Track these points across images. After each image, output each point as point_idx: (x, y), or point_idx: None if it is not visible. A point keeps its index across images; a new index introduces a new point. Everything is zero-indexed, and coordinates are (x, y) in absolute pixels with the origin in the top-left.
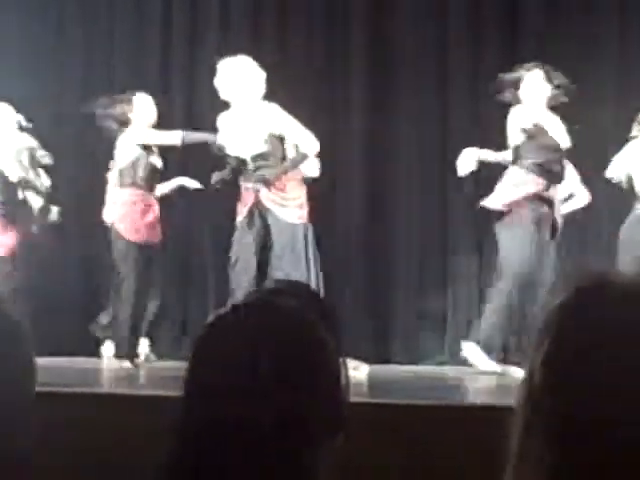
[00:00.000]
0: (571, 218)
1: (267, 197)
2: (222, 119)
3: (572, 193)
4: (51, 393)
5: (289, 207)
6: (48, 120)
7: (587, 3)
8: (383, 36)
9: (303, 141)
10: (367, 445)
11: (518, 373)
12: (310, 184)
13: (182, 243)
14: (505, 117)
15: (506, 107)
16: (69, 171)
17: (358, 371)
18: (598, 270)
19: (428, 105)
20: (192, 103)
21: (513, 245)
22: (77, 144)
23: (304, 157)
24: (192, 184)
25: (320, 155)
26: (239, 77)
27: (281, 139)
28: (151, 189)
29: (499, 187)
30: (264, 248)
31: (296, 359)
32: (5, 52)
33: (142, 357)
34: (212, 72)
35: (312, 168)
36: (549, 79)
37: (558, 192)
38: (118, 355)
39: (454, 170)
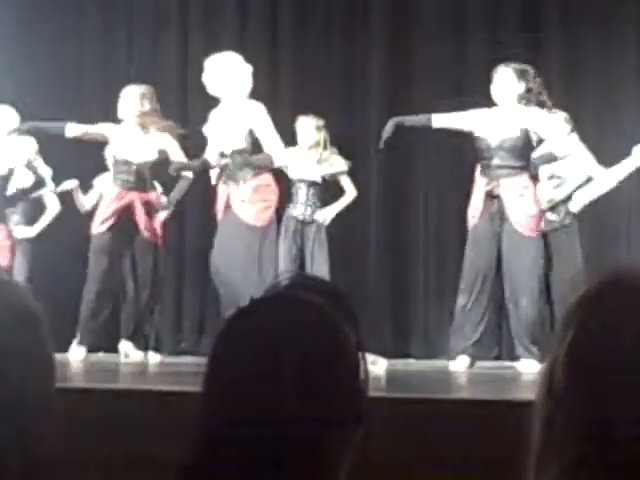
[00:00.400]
0: (590, 211)
1: (235, 195)
2: (212, 116)
3: (590, 176)
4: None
5: (253, 207)
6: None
7: None
8: (402, 34)
9: (272, 149)
10: (384, 440)
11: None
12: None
13: (199, 240)
14: None
15: None
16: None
17: (376, 365)
18: (620, 264)
19: (446, 103)
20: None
21: None
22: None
23: (268, 162)
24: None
25: (340, 153)
26: (226, 73)
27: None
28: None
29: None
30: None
31: (316, 353)
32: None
33: (122, 355)
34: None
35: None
36: (520, 77)
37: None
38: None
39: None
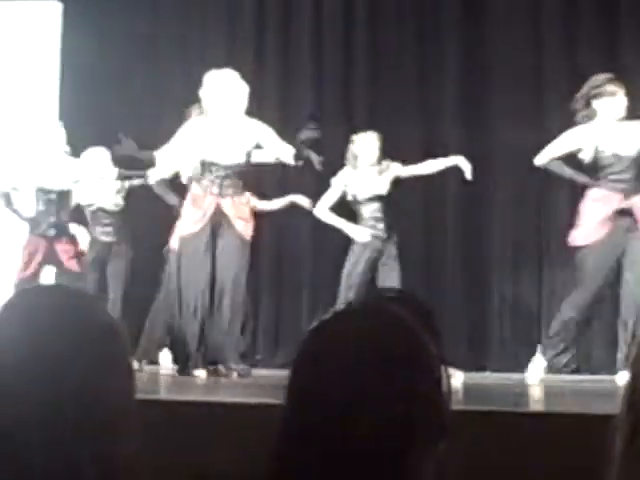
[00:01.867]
0: None
1: (230, 210)
2: (198, 124)
3: None
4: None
5: (249, 224)
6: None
7: None
8: (477, 40)
9: (283, 153)
10: (462, 452)
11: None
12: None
13: (274, 253)
14: None
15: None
16: None
17: (454, 378)
18: None
19: (523, 108)
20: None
21: None
22: None
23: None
24: (304, 202)
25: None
26: (224, 89)
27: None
28: None
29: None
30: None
31: (400, 365)
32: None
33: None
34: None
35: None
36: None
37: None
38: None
39: (549, 175)
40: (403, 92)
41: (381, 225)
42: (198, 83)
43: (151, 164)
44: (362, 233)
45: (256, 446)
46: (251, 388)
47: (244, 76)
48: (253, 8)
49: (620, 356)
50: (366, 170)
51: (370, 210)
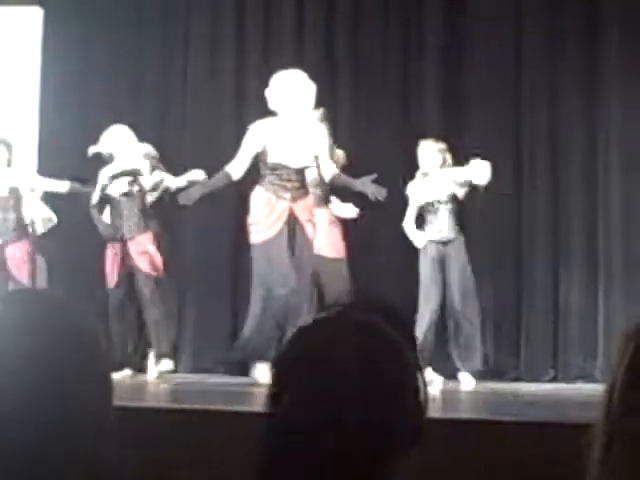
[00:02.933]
0: None
1: (301, 211)
2: (266, 126)
3: None
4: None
5: (312, 225)
6: None
7: None
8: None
9: (326, 168)
10: (437, 461)
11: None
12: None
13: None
14: None
15: None
16: None
17: (431, 386)
18: None
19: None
20: None
21: None
22: None
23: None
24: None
25: (394, 170)
26: (291, 90)
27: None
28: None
29: None
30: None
31: (377, 372)
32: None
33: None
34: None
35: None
36: None
37: None
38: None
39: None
40: (385, 101)
41: (447, 229)
42: (180, 88)
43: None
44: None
45: (238, 454)
46: (234, 395)
47: (226, 82)
48: (234, 14)
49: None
50: (432, 175)
51: (439, 214)
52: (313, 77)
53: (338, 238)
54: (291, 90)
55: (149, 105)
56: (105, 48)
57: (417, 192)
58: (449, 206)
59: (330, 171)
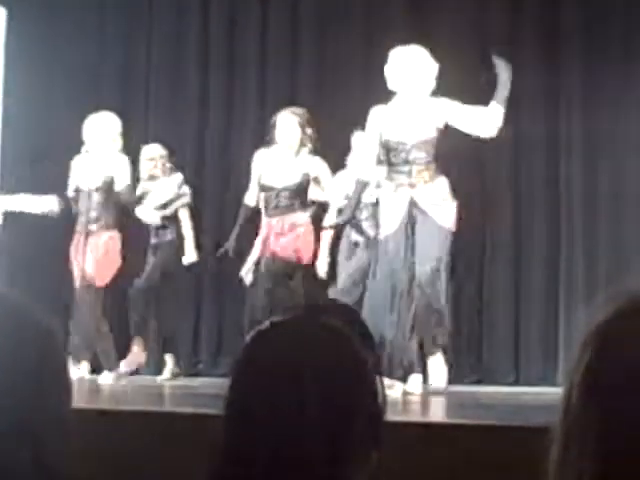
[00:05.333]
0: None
1: (422, 197)
2: (386, 110)
3: None
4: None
5: (440, 208)
6: None
7: None
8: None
9: (477, 127)
10: (398, 463)
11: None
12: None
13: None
14: None
15: None
16: None
17: (393, 390)
18: (637, 289)
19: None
20: None
21: None
22: None
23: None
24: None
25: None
26: (410, 67)
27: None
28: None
29: None
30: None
31: (337, 376)
32: None
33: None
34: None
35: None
36: None
37: None
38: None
39: None
40: (348, 96)
41: None
42: (143, 87)
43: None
44: None
45: (198, 456)
46: (196, 398)
47: (190, 69)
48: (198, 9)
49: None
50: None
51: None
52: (276, 78)
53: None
54: (409, 67)
55: (111, 97)
56: (69, 46)
57: None
58: None
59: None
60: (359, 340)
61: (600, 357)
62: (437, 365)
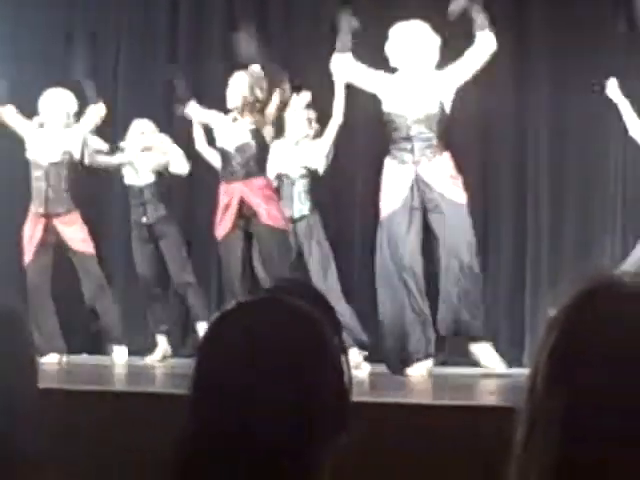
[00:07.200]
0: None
1: (430, 172)
2: (387, 81)
3: None
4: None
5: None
6: None
7: None
8: None
9: (476, 60)
10: (366, 444)
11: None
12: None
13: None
14: None
15: None
16: None
17: (359, 369)
18: (603, 272)
19: None
20: None
21: None
22: None
23: None
24: None
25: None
26: (411, 43)
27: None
28: None
29: None
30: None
31: (301, 356)
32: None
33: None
34: None
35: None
36: None
37: None
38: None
39: None
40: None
41: None
42: (108, 79)
43: None
44: None
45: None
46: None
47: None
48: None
49: None
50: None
51: None
52: None
53: None
54: (411, 42)
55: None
56: (38, 37)
57: None
58: None
59: None
60: (324, 321)
61: (565, 340)
62: (485, 350)
